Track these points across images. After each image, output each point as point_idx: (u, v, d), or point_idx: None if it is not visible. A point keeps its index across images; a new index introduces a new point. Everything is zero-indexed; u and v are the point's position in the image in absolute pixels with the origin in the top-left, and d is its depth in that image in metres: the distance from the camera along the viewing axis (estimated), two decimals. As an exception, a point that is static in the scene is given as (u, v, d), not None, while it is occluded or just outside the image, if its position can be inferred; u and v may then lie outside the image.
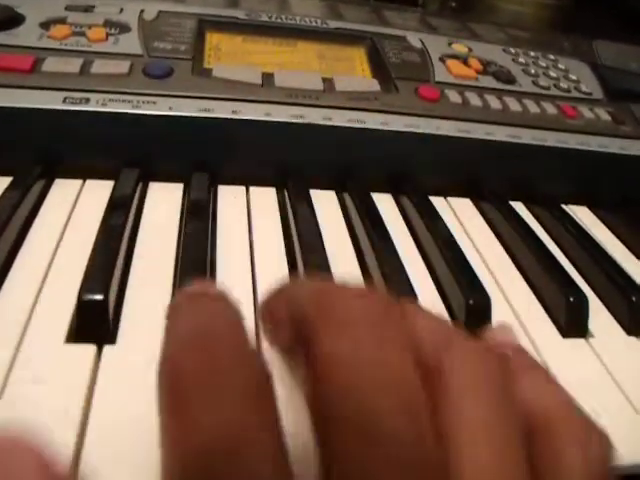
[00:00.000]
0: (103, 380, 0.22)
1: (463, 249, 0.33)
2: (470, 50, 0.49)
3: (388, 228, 0.34)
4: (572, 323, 0.30)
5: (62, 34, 0.39)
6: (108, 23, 0.41)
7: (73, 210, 0.32)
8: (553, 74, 0.49)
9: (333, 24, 0.48)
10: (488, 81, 0.45)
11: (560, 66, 0.51)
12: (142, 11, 0.43)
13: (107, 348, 0.24)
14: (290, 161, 0.38)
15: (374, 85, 0.41)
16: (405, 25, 0.52)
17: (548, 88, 0.47)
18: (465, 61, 0.47)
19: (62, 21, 0.40)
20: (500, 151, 0.40)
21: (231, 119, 0.35)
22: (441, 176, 0.41)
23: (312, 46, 0.46)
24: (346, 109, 0.38)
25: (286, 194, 0.37)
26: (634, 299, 0.31)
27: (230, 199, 0.36)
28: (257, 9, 0.48)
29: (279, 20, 0.47)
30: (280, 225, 0.34)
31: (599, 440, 0.16)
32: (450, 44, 0.49)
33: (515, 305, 0.31)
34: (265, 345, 0.19)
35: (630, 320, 0.31)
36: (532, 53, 0.52)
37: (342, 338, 0.14)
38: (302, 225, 0.32)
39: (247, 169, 0.37)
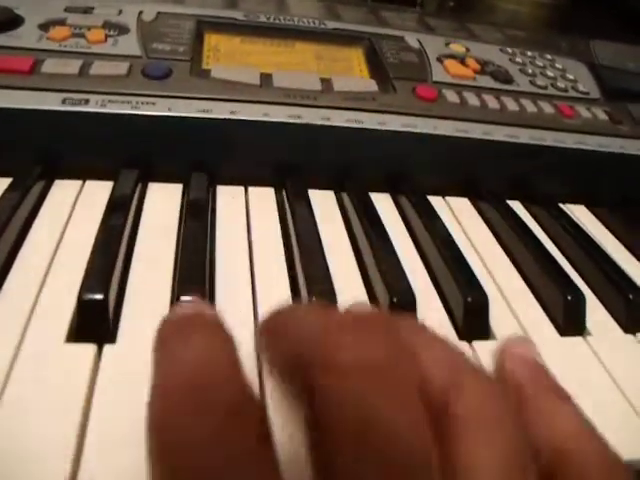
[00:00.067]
0: (103, 380, 0.22)
1: (461, 248, 0.33)
2: (468, 50, 0.49)
3: (386, 228, 0.34)
4: (570, 321, 0.30)
5: (61, 35, 0.39)
6: (107, 24, 0.41)
7: (73, 211, 0.32)
8: (550, 74, 0.49)
9: (331, 25, 0.48)
10: (486, 81, 0.46)
11: (557, 66, 0.51)
12: (141, 12, 0.44)
13: (107, 347, 0.24)
14: (288, 161, 0.38)
15: (372, 85, 0.41)
16: (403, 25, 0.52)
17: (545, 88, 0.47)
18: (463, 61, 0.47)
19: (61, 22, 0.40)
20: (498, 151, 0.40)
21: (230, 119, 0.36)
22: (439, 176, 0.41)
23: (310, 47, 0.46)
24: (344, 109, 0.38)
25: (284, 194, 0.37)
26: (631, 297, 0.32)
27: (229, 199, 0.36)
28: (255, 10, 0.48)
29: (277, 21, 0.47)
30: (279, 225, 0.34)
31: (617, 470, 0.15)
32: (448, 44, 0.50)
33: (513, 303, 0.32)
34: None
35: (627, 318, 0.31)
36: (529, 53, 0.52)
37: (346, 392, 0.14)
38: (300, 225, 0.33)
39: (246, 169, 0.38)
